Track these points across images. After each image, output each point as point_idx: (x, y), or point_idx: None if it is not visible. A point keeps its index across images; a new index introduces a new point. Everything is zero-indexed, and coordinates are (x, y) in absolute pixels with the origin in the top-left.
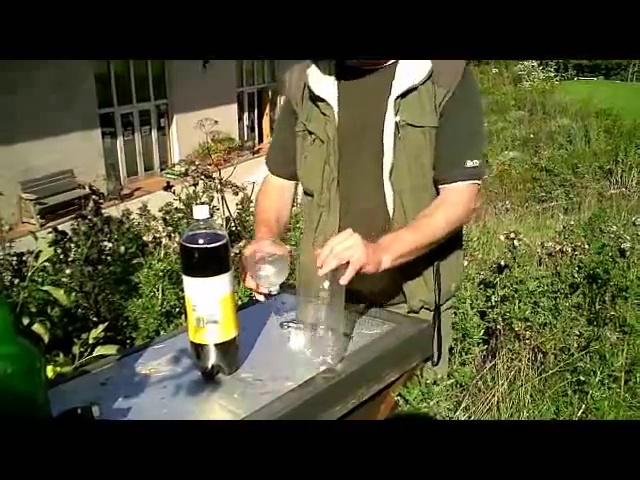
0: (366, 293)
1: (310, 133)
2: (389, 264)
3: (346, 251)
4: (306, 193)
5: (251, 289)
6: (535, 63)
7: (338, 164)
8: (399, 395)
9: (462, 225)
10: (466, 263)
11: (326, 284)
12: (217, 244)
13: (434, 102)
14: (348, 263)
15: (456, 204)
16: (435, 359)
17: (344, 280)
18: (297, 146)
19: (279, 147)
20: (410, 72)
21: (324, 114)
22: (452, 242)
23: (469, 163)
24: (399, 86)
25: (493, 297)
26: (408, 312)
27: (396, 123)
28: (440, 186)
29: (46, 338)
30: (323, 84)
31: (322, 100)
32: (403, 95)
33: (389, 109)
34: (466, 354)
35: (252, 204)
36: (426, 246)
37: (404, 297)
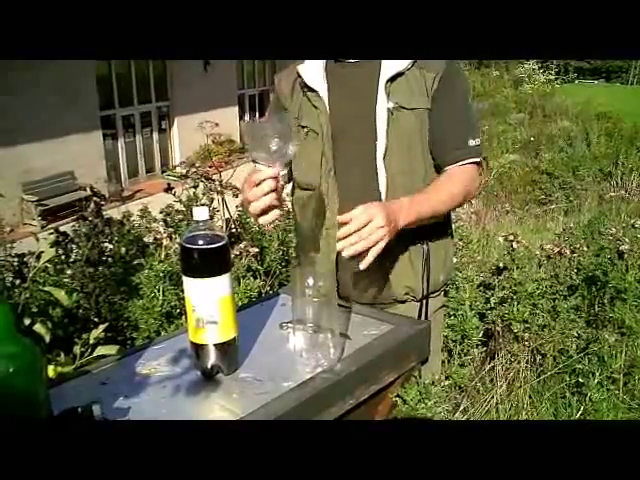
0: (351, 279)
1: (303, 127)
2: (403, 226)
3: (374, 234)
4: (301, 188)
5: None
6: (536, 66)
7: (333, 155)
8: (397, 396)
9: (468, 201)
10: (464, 265)
11: (310, 281)
12: (217, 245)
13: (424, 86)
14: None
15: (465, 180)
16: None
17: (364, 266)
18: None
19: None
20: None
21: (315, 107)
22: (442, 233)
23: (472, 142)
24: (387, 72)
25: (492, 299)
26: (393, 301)
27: (388, 108)
28: (447, 167)
29: (47, 338)
30: (314, 77)
31: (313, 92)
32: (392, 80)
33: (380, 93)
34: (465, 355)
35: None
36: (437, 214)
37: (390, 284)
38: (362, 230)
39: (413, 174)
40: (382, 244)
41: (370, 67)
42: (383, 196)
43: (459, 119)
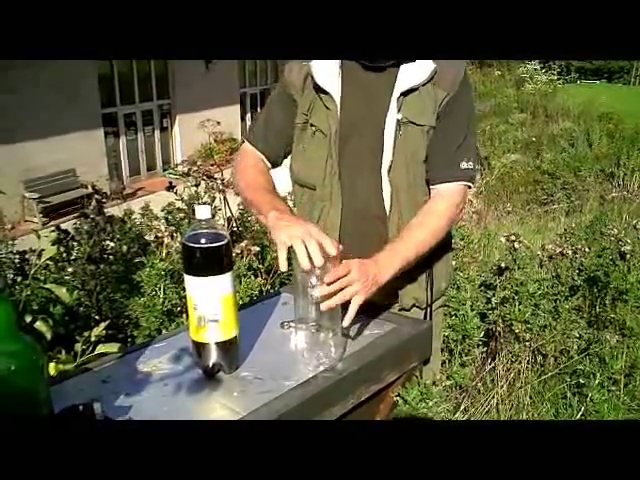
0: None
1: (311, 125)
2: (387, 279)
3: (349, 290)
4: (302, 186)
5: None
6: (538, 66)
7: (338, 158)
8: (398, 395)
9: (452, 225)
10: (466, 264)
11: (314, 280)
12: (219, 244)
13: (434, 104)
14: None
15: (448, 207)
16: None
17: (347, 322)
18: (294, 137)
19: (268, 124)
20: (413, 72)
21: (327, 107)
22: (443, 243)
23: (464, 165)
24: (402, 85)
25: (493, 299)
26: (399, 310)
27: (398, 120)
28: (432, 186)
29: (48, 336)
30: (327, 77)
31: (325, 93)
32: (405, 94)
33: (392, 106)
34: (466, 355)
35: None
36: (420, 256)
37: (396, 295)
38: (337, 284)
39: (417, 189)
40: (359, 299)
41: (388, 76)
42: (387, 210)
43: (456, 139)
